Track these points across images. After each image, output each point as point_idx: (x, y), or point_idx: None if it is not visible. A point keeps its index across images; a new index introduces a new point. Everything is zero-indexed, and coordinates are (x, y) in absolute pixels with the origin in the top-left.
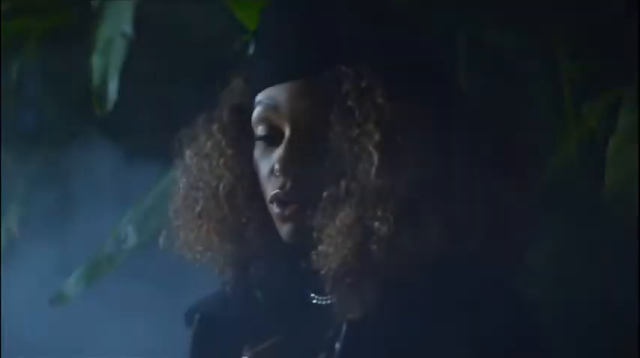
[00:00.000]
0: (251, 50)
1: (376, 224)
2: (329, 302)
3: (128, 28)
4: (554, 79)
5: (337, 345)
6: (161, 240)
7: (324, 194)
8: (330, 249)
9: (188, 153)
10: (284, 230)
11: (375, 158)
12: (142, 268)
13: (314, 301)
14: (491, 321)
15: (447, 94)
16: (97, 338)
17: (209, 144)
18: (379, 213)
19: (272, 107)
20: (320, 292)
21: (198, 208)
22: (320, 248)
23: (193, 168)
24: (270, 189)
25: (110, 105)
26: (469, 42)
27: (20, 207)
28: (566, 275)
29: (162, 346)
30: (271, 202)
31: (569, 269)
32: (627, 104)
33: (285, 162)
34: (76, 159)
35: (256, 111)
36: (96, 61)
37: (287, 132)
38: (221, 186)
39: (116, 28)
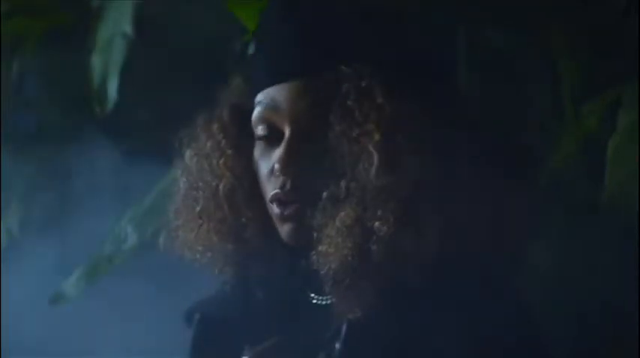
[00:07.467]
0: (251, 50)
1: (376, 224)
2: (329, 302)
3: (128, 27)
4: (554, 79)
5: (337, 345)
6: (161, 240)
7: (324, 194)
8: (330, 249)
9: (188, 153)
10: (284, 230)
11: (375, 158)
12: (141, 268)
13: (314, 301)
14: (492, 321)
15: (447, 94)
16: (97, 339)
17: (209, 144)
18: (379, 213)
19: (272, 107)
20: (320, 292)
21: (198, 208)
22: (320, 248)
23: (193, 168)
24: (270, 189)
25: (110, 105)
26: (469, 42)
27: (20, 207)
28: (566, 275)
29: (162, 346)
30: (271, 202)
31: (569, 270)
32: (627, 104)
33: (285, 162)
34: (76, 159)
35: (256, 111)
36: (96, 61)
37: (287, 132)
38: (221, 186)
39: (116, 27)
